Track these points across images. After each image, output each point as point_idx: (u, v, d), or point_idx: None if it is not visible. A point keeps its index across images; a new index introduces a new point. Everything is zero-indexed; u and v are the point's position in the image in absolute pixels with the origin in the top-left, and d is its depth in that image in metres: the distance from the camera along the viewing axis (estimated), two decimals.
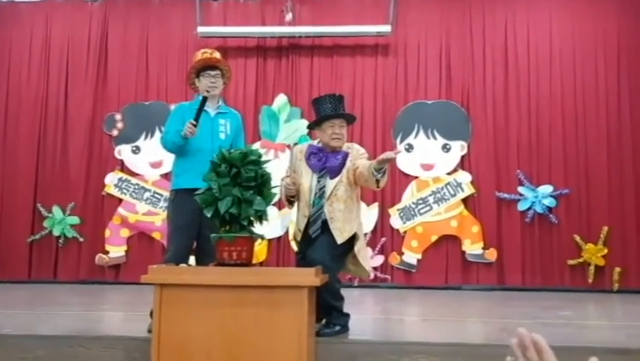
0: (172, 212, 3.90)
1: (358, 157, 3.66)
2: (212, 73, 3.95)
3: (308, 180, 3.62)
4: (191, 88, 4.20)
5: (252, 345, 3.03)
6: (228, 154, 3.17)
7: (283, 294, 3.06)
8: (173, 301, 3.11)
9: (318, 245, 3.52)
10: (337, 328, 3.55)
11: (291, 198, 3.67)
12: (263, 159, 3.27)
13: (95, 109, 7.91)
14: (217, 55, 4.07)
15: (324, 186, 3.58)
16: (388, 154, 3.40)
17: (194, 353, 3.05)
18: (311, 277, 3.11)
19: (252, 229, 3.25)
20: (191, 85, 4.14)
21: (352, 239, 3.61)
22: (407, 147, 7.51)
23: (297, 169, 3.71)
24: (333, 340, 3.42)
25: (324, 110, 3.66)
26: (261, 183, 3.18)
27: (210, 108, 3.99)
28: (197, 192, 3.22)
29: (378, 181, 3.45)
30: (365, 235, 7.08)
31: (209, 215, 3.13)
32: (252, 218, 3.16)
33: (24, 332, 3.77)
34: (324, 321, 3.57)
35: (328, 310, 3.57)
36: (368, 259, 3.73)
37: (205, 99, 3.83)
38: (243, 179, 3.13)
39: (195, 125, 3.76)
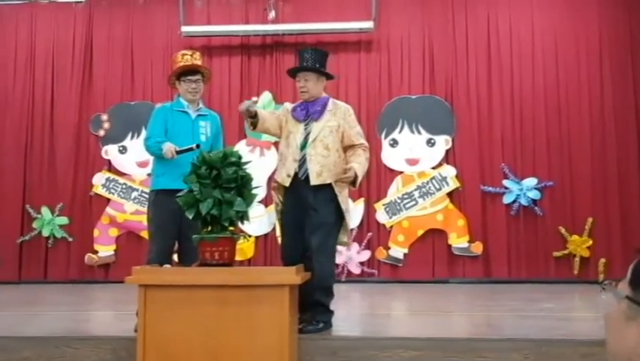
0: (152, 213, 3.94)
1: (348, 125, 3.77)
2: (193, 78, 4.01)
3: (296, 128, 3.76)
4: (172, 87, 4.27)
5: (235, 344, 3.08)
6: (208, 156, 3.22)
7: (265, 293, 3.11)
8: (157, 301, 3.16)
9: (316, 242, 3.56)
10: (321, 325, 3.60)
11: (252, 119, 3.78)
12: (243, 160, 3.32)
13: (82, 110, 7.93)
14: (197, 56, 4.10)
15: (310, 132, 3.73)
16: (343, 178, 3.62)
17: (179, 352, 3.11)
18: (292, 275, 3.17)
19: (236, 228, 3.31)
20: (171, 85, 4.20)
21: (336, 200, 3.66)
22: (392, 142, 7.58)
23: (287, 124, 3.81)
24: (315, 336, 3.48)
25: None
26: (242, 185, 3.23)
27: (191, 110, 4.05)
28: (179, 194, 3.27)
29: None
30: (352, 230, 7.19)
31: (190, 217, 3.18)
32: (233, 219, 3.21)
33: (11, 333, 3.81)
34: (307, 315, 3.59)
35: (314, 305, 3.61)
36: (351, 220, 3.82)
37: (197, 146, 3.82)
38: (223, 180, 3.18)
39: (176, 154, 3.80)
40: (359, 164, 3.69)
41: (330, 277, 3.68)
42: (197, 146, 3.82)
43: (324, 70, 3.82)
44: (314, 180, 3.63)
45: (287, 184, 3.69)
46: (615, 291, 1.10)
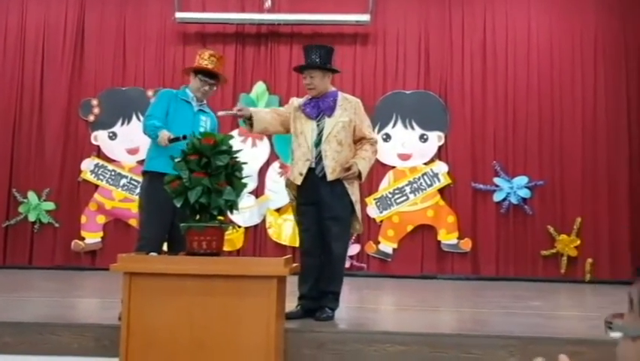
0: (145, 198, 3.91)
1: (359, 119, 3.82)
2: (211, 81, 4.06)
3: (308, 126, 3.78)
4: (184, 75, 4.27)
5: (220, 334, 3.05)
6: (199, 143, 3.17)
7: (252, 284, 3.08)
8: (142, 289, 3.12)
9: (334, 233, 3.67)
10: (331, 313, 3.73)
11: (248, 121, 3.84)
12: (234, 148, 3.28)
13: (71, 94, 7.81)
14: (222, 63, 4.15)
15: (323, 128, 3.76)
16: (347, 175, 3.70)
17: (163, 342, 3.07)
18: (280, 267, 3.13)
19: (225, 218, 3.27)
20: (186, 74, 4.24)
21: (348, 194, 3.73)
22: (385, 136, 7.55)
23: (296, 122, 3.82)
24: (302, 328, 3.46)
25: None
26: (232, 173, 3.19)
27: (194, 102, 4.07)
28: (166, 178, 3.21)
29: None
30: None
31: (179, 205, 3.13)
32: (222, 208, 3.17)
33: None
34: (320, 302, 3.73)
35: (326, 294, 3.74)
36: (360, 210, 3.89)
37: (184, 137, 3.78)
38: (213, 169, 3.13)
39: (170, 142, 3.78)
40: (363, 159, 3.77)
41: (342, 268, 3.85)
42: (184, 137, 3.79)
43: (330, 67, 3.85)
44: (330, 177, 3.70)
45: (299, 182, 3.75)
46: (628, 328, 0.94)
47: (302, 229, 3.83)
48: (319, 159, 3.72)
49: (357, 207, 3.82)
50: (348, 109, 3.81)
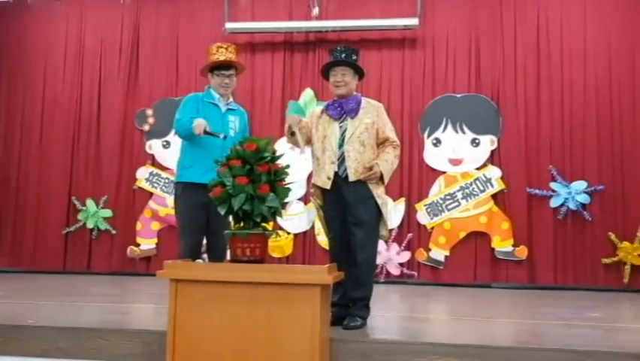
0: (180, 208, 3.98)
1: (382, 121, 3.77)
2: (227, 73, 4.04)
3: (332, 129, 3.74)
4: (204, 78, 4.28)
5: (265, 342, 3.03)
6: (242, 150, 3.17)
7: (296, 292, 3.05)
8: (188, 296, 3.14)
9: (359, 238, 3.61)
10: (360, 321, 3.64)
11: (293, 132, 3.73)
12: (277, 154, 3.27)
13: (127, 105, 8.08)
14: (232, 50, 4.10)
15: (345, 130, 3.70)
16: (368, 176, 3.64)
17: (208, 348, 3.09)
18: (324, 274, 3.09)
19: (275, 224, 3.26)
20: (204, 76, 4.24)
21: (373, 196, 3.66)
22: (435, 141, 7.42)
23: (319, 128, 3.77)
24: (348, 338, 3.40)
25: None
26: (274, 179, 3.17)
27: (221, 103, 4.06)
28: (210, 183, 3.22)
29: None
30: (391, 230, 7.07)
31: (222, 212, 3.14)
32: (265, 215, 3.15)
33: (49, 323, 3.85)
34: (349, 310, 3.67)
35: (354, 301, 3.67)
36: (390, 215, 3.76)
37: (225, 137, 3.85)
38: (256, 175, 3.13)
39: (205, 133, 3.81)
40: (385, 161, 3.71)
41: (370, 274, 3.75)
42: (225, 137, 3.82)
43: (361, 68, 3.81)
44: (352, 177, 3.65)
45: (328, 187, 3.70)
46: None
47: (330, 237, 3.79)
48: (342, 160, 3.68)
49: (384, 211, 3.73)
50: (371, 112, 3.78)
